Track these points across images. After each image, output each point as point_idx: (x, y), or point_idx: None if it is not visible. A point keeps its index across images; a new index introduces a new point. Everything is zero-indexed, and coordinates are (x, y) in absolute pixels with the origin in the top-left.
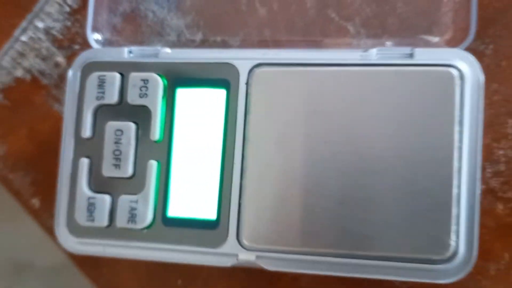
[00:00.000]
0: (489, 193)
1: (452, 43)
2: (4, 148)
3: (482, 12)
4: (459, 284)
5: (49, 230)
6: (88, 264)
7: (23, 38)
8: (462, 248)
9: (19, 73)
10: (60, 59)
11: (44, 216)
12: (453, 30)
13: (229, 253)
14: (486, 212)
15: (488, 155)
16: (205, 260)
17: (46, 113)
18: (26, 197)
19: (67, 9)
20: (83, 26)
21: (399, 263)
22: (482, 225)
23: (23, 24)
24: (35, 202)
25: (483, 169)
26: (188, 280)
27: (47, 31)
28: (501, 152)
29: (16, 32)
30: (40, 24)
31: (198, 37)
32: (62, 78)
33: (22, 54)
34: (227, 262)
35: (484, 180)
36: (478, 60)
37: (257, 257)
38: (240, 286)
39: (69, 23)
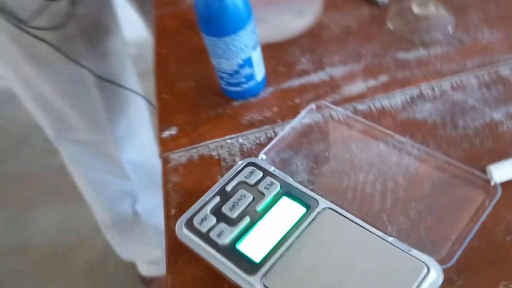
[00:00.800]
0: None
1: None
2: (180, 180)
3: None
4: None
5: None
6: (174, 251)
7: (228, 141)
8: None
9: (214, 153)
10: (238, 159)
11: (173, 219)
12: (442, 256)
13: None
14: None
15: None
16: (241, 282)
17: (212, 178)
18: (170, 206)
19: (258, 141)
20: (258, 151)
21: None
22: None
23: (233, 136)
24: (173, 211)
25: None
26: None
27: (241, 145)
28: None
29: (227, 137)
30: (245, 141)
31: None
32: (232, 167)
33: (221, 146)
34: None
35: None
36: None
37: None
38: None
39: (253, 148)
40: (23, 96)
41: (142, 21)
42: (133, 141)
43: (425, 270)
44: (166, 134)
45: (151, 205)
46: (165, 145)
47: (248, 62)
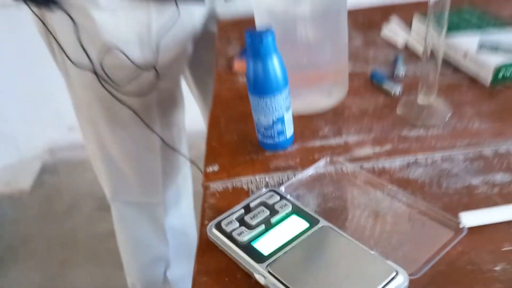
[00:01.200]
0: None
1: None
2: (215, 202)
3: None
4: None
5: (201, 232)
6: (203, 249)
7: (257, 178)
8: None
9: (245, 186)
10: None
11: (205, 227)
12: (411, 271)
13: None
14: None
15: None
16: (250, 268)
17: (240, 201)
18: (205, 219)
19: (280, 181)
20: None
21: None
22: None
23: (261, 175)
24: (206, 221)
25: None
26: (245, 277)
27: (267, 182)
28: None
29: (256, 175)
30: (270, 180)
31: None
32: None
33: (251, 182)
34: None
35: None
36: None
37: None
38: None
39: (276, 185)
40: (93, 153)
41: (201, 111)
42: (178, 207)
43: (394, 273)
44: (209, 169)
45: (182, 274)
46: (207, 177)
47: (281, 120)
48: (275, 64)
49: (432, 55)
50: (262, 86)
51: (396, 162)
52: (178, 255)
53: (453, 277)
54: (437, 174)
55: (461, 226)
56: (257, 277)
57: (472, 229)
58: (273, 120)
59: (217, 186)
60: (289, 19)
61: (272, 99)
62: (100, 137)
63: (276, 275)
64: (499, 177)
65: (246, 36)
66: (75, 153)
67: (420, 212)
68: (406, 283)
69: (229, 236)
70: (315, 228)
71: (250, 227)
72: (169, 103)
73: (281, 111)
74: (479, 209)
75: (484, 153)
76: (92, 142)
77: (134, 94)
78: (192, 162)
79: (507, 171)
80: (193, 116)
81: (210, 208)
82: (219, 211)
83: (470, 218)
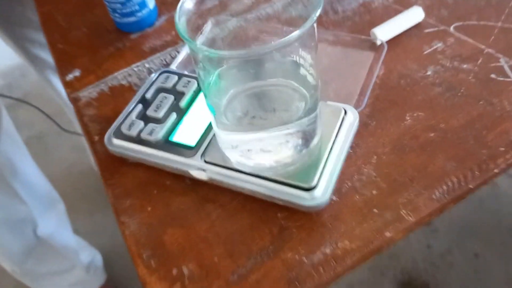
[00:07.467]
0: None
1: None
2: (95, 111)
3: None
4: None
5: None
6: (107, 169)
7: (135, 68)
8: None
9: (124, 82)
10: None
11: (98, 144)
12: (353, 105)
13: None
14: (348, 197)
15: (357, 170)
16: (183, 167)
17: (128, 100)
18: (92, 134)
19: (164, 62)
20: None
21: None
22: (343, 202)
23: (138, 63)
24: (96, 137)
25: (352, 175)
26: (176, 181)
27: (149, 69)
28: (364, 170)
29: (133, 65)
30: (151, 65)
31: None
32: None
33: (129, 75)
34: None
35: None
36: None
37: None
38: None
39: (161, 68)
40: None
41: (10, 45)
42: (14, 156)
43: (343, 112)
44: (69, 77)
45: (54, 225)
46: (71, 87)
47: None
48: None
49: None
50: None
51: (278, 4)
52: (41, 209)
53: (392, 97)
54: (327, 1)
55: (378, 42)
56: (195, 173)
57: (388, 43)
58: None
59: (89, 93)
60: None
61: None
62: None
63: (217, 162)
64: None
65: None
66: None
67: (331, 43)
68: (357, 117)
69: (137, 140)
70: None
71: (159, 121)
72: None
73: None
74: (386, 22)
75: None
76: None
77: None
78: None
79: None
80: None
81: (93, 121)
82: (107, 120)
83: (382, 32)
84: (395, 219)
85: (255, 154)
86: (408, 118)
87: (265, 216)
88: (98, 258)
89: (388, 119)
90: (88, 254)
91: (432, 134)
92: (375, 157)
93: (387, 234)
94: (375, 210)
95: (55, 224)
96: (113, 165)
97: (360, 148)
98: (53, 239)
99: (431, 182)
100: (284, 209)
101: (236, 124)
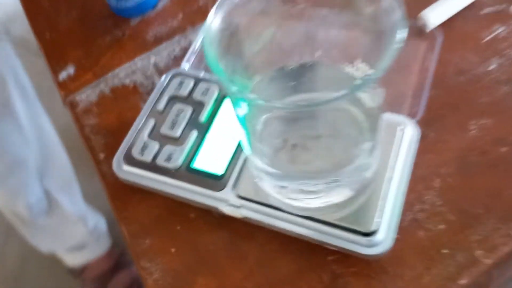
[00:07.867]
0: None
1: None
2: (97, 120)
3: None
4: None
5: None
6: (118, 197)
7: (139, 63)
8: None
9: (127, 81)
10: (157, 78)
11: (104, 163)
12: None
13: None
14: (410, 234)
15: (418, 197)
16: (212, 202)
17: (135, 108)
18: (96, 151)
19: (172, 54)
20: (178, 63)
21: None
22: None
23: (142, 56)
24: (101, 155)
25: (413, 204)
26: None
27: (155, 64)
28: (427, 197)
29: (136, 59)
30: (158, 58)
31: None
32: (153, 90)
33: (133, 72)
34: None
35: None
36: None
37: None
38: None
39: (171, 63)
40: None
41: None
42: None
43: (400, 126)
44: (63, 75)
45: (62, 177)
46: (66, 88)
47: None
48: None
49: None
50: None
51: None
52: (47, 157)
53: (451, 99)
54: None
55: (429, 28)
56: (227, 210)
57: (442, 28)
58: None
59: (87, 96)
60: None
61: None
62: None
63: (253, 198)
64: None
65: None
66: None
67: (364, 30)
68: (418, 133)
69: (153, 167)
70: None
71: (176, 141)
72: None
73: None
74: (435, 2)
75: None
76: None
77: None
78: None
79: None
80: None
81: (95, 133)
82: (112, 132)
83: (435, 15)
84: (470, 262)
85: (295, 194)
86: (472, 127)
87: (313, 260)
88: (102, 223)
89: (449, 129)
90: (91, 219)
91: (503, 149)
92: (438, 180)
93: (462, 281)
94: (444, 251)
95: (60, 179)
96: (125, 192)
97: (420, 168)
98: (58, 195)
99: (509, 211)
100: (335, 250)
101: (273, 158)
